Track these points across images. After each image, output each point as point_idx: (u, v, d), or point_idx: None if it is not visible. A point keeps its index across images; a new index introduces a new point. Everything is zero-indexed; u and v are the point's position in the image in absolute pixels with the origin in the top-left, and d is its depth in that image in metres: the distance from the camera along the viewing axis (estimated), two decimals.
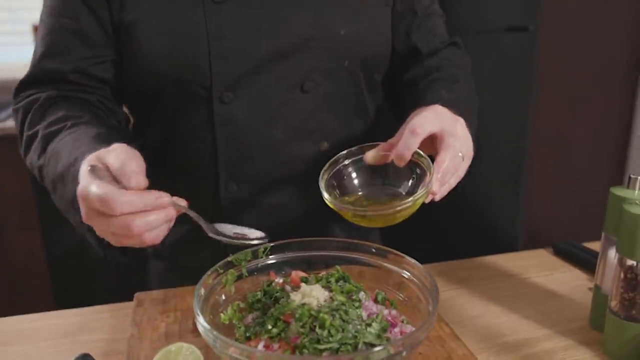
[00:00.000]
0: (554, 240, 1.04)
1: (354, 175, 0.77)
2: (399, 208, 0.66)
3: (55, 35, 0.83)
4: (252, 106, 0.83)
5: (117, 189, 0.60)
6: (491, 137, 2.14)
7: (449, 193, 0.74)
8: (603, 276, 0.76)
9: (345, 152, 0.77)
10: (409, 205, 0.67)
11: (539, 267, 0.97)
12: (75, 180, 0.67)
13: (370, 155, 0.74)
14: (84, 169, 0.65)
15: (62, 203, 0.75)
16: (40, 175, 0.79)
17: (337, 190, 0.76)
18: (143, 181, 0.63)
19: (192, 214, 0.68)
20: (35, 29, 2.28)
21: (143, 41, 0.80)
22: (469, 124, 0.79)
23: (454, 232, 2.11)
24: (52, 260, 2.03)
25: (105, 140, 0.71)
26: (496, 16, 2.06)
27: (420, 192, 0.67)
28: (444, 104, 0.77)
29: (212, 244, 0.78)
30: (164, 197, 0.63)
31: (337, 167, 0.76)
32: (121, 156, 0.64)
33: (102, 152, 0.66)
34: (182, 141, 0.87)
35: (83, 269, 2.03)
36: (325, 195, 0.71)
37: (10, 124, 1.93)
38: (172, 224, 0.66)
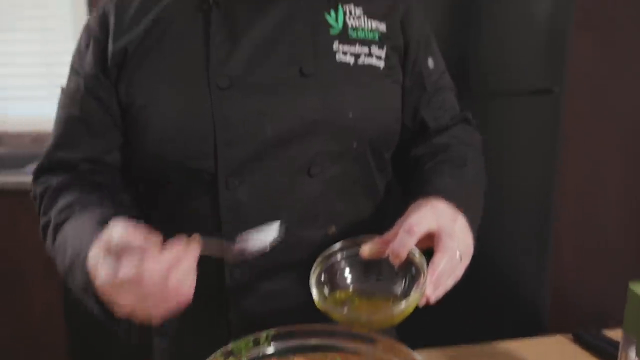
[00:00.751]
0: (581, 316, 0.99)
1: (347, 269, 0.74)
2: (389, 315, 0.65)
3: (64, 127, 0.86)
4: (257, 191, 0.82)
5: (140, 256, 0.62)
6: (515, 202, 2.10)
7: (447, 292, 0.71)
8: None
9: (339, 244, 0.75)
10: (402, 309, 0.65)
11: (558, 355, 0.92)
12: (84, 271, 0.68)
13: (366, 249, 0.72)
14: (92, 263, 0.66)
15: (76, 291, 0.75)
16: (56, 263, 0.81)
17: (328, 285, 0.73)
18: (157, 237, 0.64)
19: (210, 244, 0.68)
20: None
21: (149, 126, 0.81)
22: (472, 215, 0.76)
23: (470, 307, 2.04)
24: (70, 315, 2.03)
25: (109, 221, 0.71)
26: (520, 78, 2.05)
27: (413, 296, 0.65)
28: (446, 196, 0.75)
29: (214, 326, 0.76)
30: (186, 244, 0.65)
31: (330, 262, 0.74)
32: (126, 227, 0.65)
33: (105, 235, 0.66)
34: (186, 224, 0.85)
35: (100, 328, 2.02)
36: (315, 296, 0.69)
37: None
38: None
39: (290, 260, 0.84)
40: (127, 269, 0.61)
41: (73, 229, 0.76)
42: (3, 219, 1.98)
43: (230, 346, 0.70)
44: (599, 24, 2.26)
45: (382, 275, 0.73)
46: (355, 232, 0.85)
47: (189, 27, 0.82)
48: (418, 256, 0.68)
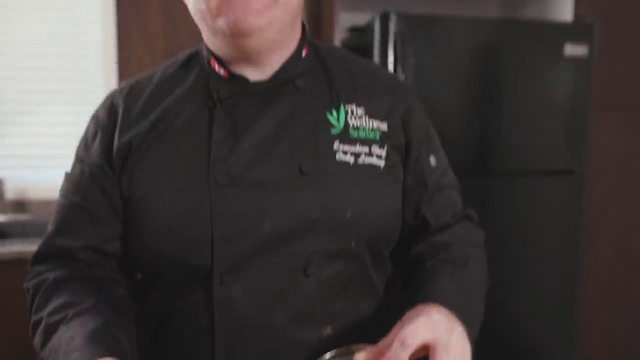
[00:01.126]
0: None
1: None
2: None
3: (66, 214, 0.86)
4: (252, 290, 0.80)
5: None
6: (539, 287, 2.05)
7: None
8: None
9: (331, 353, 0.73)
10: None
11: None
12: None
13: (360, 359, 0.70)
14: None
15: None
16: None
17: None
18: None
19: None
20: None
21: (147, 219, 0.81)
22: (472, 319, 0.75)
23: None
24: None
25: (99, 340, 0.73)
26: (542, 159, 2.06)
27: None
28: (445, 303, 0.73)
29: None
30: None
31: None
32: None
33: None
34: (178, 320, 0.84)
35: None
36: None
37: None
38: None
39: None
40: None
41: (64, 340, 0.75)
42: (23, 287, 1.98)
43: None
44: (620, 104, 2.27)
45: None
46: (354, 331, 0.85)
47: (193, 123, 0.83)
48: None
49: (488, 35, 1.98)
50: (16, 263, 1.94)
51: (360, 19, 2.30)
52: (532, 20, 2.27)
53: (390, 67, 1.92)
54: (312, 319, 0.82)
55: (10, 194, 2.49)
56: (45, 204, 2.50)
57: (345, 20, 2.21)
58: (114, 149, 0.84)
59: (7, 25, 2.45)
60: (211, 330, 0.81)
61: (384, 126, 0.86)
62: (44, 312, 0.80)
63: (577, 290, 2.13)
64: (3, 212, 2.43)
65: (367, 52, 2.00)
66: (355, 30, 2.26)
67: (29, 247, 1.96)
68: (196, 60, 0.89)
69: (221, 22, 0.77)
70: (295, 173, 0.80)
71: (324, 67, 0.88)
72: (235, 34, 0.78)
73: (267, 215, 0.79)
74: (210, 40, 0.84)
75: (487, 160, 2.04)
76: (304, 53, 0.87)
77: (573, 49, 2.01)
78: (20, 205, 2.50)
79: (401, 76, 1.90)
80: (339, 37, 2.09)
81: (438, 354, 0.66)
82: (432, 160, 0.91)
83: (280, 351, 0.82)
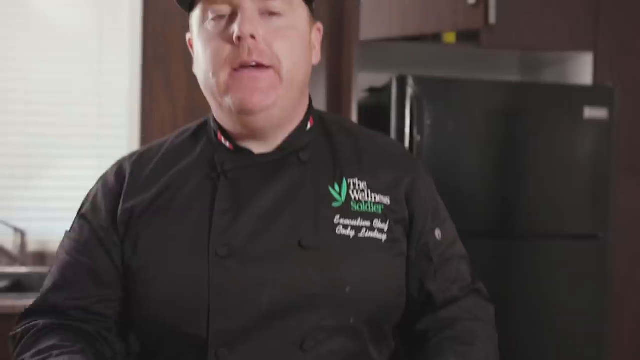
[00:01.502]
0: None
1: None
2: None
3: (67, 271, 0.85)
4: None
5: None
6: (563, 354, 1.98)
7: None
8: None
9: None
10: None
11: None
12: None
13: None
14: None
15: None
16: None
17: None
18: None
19: None
20: None
21: (146, 287, 0.81)
22: None
23: None
24: None
25: None
26: (565, 222, 2.02)
27: None
28: None
29: None
30: None
31: None
32: None
33: None
34: None
35: None
36: None
37: None
38: None
39: None
40: None
41: None
42: None
43: None
44: None
45: None
46: None
47: (197, 194, 0.84)
48: None
49: (506, 99, 1.98)
50: None
51: (378, 79, 2.33)
52: (552, 83, 2.27)
53: (407, 128, 1.93)
54: None
55: (32, 246, 2.52)
56: None
57: (363, 81, 2.24)
58: (118, 213, 0.85)
59: (33, 78, 2.54)
60: None
61: (386, 200, 0.86)
62: (27, 355, 0.79)
63: (602, 358, 2.04)
64: (24, 264, 2.46)
65: (384, 112, 2.02)
66: (373, 91, 2.29)
67: None
68: (204, 131, 0.91)
69: (228, 100, 0.80)
70: (295, 246, 0.80)
71: (330, 140, 0.89)
72: (242, 112, 0.80)
73: (266, 289, 0.78)
74: (218, 114, 0.86)
75: (508, 223, 2.01)
76: (309, 125, 0.88)
77: (593, 112, 2.00)
78: (41, 257, 2.53)
79: (417, 137, 1.91)
80: (357, 97, 2.11)
81: None
82: (437, 233, 0.90)
83: None
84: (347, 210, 0.83)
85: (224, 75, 0.79)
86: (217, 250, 0.79)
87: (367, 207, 0.84)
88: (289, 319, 0.79)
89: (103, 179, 0.92)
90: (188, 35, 0.90)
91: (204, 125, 0.92)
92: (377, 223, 0.84)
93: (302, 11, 0.83)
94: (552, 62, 2.44)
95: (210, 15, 0.80)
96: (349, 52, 2.15)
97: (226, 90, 0.79)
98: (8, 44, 2.51)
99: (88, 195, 0.91)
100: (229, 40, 0.78)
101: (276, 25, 0.79)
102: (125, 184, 0.87)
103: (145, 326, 0.85)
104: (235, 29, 0.77)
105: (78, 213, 0.90)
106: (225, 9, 0.79)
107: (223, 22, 0.79)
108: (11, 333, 0.86)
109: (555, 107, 1.99)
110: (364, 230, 0.83)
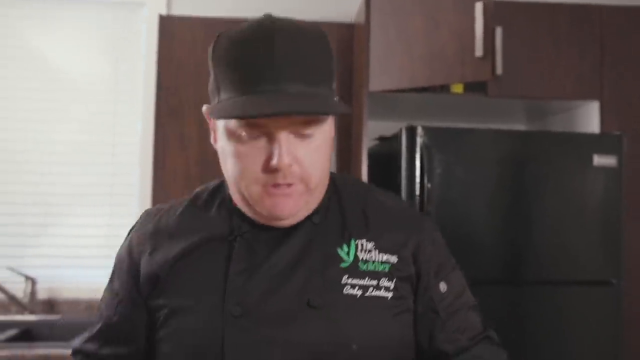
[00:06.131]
0: None
1: None
2: None
3: (100, 323, 0.95)
4: None
5: None
6: None
7: None
8: None
9: None
10: None
11: None
12: None
13: None
14: None
15: None
16: None
17: None
18: None
19: None
20: None
21: (165, 341, 0.87)
22: None
23: None
24: None
25: None
26: (576, 269, 2.01)
27: None
28: None
29: None
30: None
31: None
32: None
33: None
34: None
35: None
36: None
37: None
38: None
39: None
40: None
41: None
42: None
43: None
44: None
45: None
46: None
47: (214, 256, 0.88)
48: None
49: (515, 147, 2.01)
50: None
51: (388, 127, 2.37)
52: (560, 132, 2.30)
53: (417, 176, 1.95)
54: None
55: (42, 294, 2.52)
56: (75, 303, 2.52)
57: (373, 129, 2.28)
58: (141, 278, 0.91)
59: (46, 127, 2.59)
60: None
61: (393, 259, 0.89)
62: None
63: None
64: (34, 312, 2.45)
65: (394, 161, 2.04)
66: (383, 139, 2.32)
67: (55, 350, 1.96)
68: (220, 193, 0.94)
69: (259, 208, 0.84)
70: (304, 306, 0.83)
71: (339, 202, 0.93)
72: (270, 219, 0.85)
73: (277, 347, 0.82)
74: (240, 204, 0.89)
75: (519, 269, 2.00)
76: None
77: (601, 160, 2.01)
78: (50, 305, 2.53)
79: (428, 185, 1.92)
80: (367, 146, 2.14)
81: None
82: (442, 287, 0.93)
83: None
84: (354, 270, 0.86)
85: (256, 189, 0.82)
86: (231, 310, 0.83)
87: (374, 267, 0.88)
88: None
89: (129, 240, 0.96)
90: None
91: (219, 188, 0.96)
92: (384, 281, 0.87)
93: (330, 121, 0.86)
94: (558, 110, 2.47)
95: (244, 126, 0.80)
96: (360, 101, 2.19)
97: (257, 200, 0.83)
98: (26, 95, 2.58)
99: (116, 257, 0.97)
100: (265, 161, 0.79)
101: (309, 147, 0.81)
102: (147, 248, 0.92)
103: None
104: (274, 160, 0.78)
105: (112, 273, 0.97)
106: (260, 133, 0.79)
107: (257, 135, 0.79)
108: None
109: (565, 155, 2.01)
110: (370, 289, 0.86)
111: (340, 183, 0.96)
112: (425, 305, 0.91)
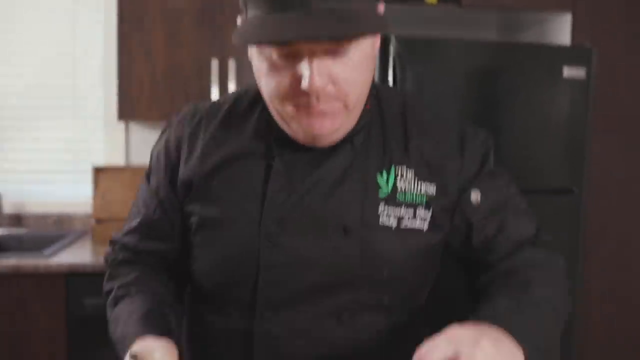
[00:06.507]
0: None
1: None
2: None
3: (139, 219, 0.95)
4: (288, 328, 0.85)
5: None
6: None
7: None
8: None
9: None
10: None
11: None
12: (123, 355, 0.80)
13: None
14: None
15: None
16: (109, 327, 0.90)
17: None
18: None
19: None
20: (95, 171, 2.44)
21: (201, 251, 0.89)
22: (525, 339, 0.71)
23: None
24: None
25: (154, 316, 0.85)
26: (540, 178, 2.06)
27: None
28: (477, 317, 0.73)
29: None
30: None
31: None
32: (164, 353, 0.77)
33: (150, 344, 0.79)
34: (218, 338, 0.90)
35: None
36: None
37: (57, 261, 1.98)
38: None
39: None
40: None
41: (124, 312, 0.87)
42: (18, 300, 1.97)
43: None
44: (618, 125, 2.29)
45: None
46: None
47: (252, 171, 0.87)
48: None
49: (487, 58, 2.00)
50: (12, 276, 1.94)
51: None
52: (531, 43, 2.29)
53: (390, 85, 1.93)
54: None
55: (8, 208, 2.49)
56: (42, 217, 2.50)
57: None
58: (178, 183, 0.90)
59: (8, 40, 2.48)
60: (250, 354, 0.87)
61: (432, 189, 0.86)
62: (115, 284, 0.93)
63: (575, 309, 2.12)
64: (1, 225, 2.43)
65: None
66: None
67: (25, 260, 1.96)
68: (262, 100, 0.86)
69: (295, 126, 0.81)
70: (339, 230, 0.83)
71: (382, 120, 0.89)
72: (308, 139, 0.82)
73: (310, 267, 0.83)
74: (278, 121, 0.84)
75: None
76: (366, 107, 0.87)
77: (571, 72, 2.03)
78: (17, 219, 2.50)
79: None
80: None
81: None
82: (475, 195, 0.88)
83: None
84: (392, 200, 0.85)
85: (290, 109, 0.78)
86: (269, 226, 0.83)
87: (412, 198, 0.86)
88: (329, 294, 0.84)
89: (165, 139, 0.94)
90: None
91: (259, 99, 0.88)
92: (420, 212, 0.86)
93: (371, 35, 0.75)
94: (531, 23, 2.46)
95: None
96: None
97: (292, 118, 0.80)
98: None
99: (151, 154, 0.96)
100: (297, 81, 0.74)
101: (345, 65, 0.75)
102: (184, 154, 0.90)
103: (198, 280, 0.92)
104: (304, 83, 0.72)
105: (149, 169, 0.97)
106: (290, 51, 0.73)
107: (287, 53, 0.74)
108: (105, 252, 1.00)
109: (535, 67, 2.02)
110: (406, 219, 0.85)
111: (383, 95, 0.91)
112: (458, 219, 0.88)
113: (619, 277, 2.37)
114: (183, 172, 0.89)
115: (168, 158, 0.92)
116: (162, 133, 0.96)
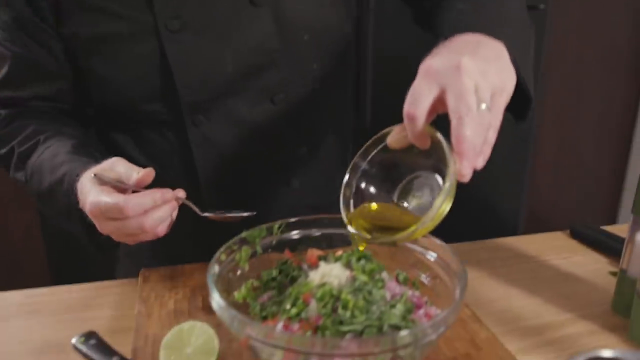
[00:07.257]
0: (554, 226, 1.01)
1: (374, 170, 0.65)
2: (405, 235, 0.58)
3: (9, 64, 0.78)
4: (223, 125, 0.82)
5: (125, 196, 0.65)
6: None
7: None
8: (630, 260, 0.74)
9: (361, 151, 0.65)
10: (425, 225, 0.57)
11: (557, 250, 0.94)
12: (71, 196, 0.70)
13: (393, 139, 0.60)
14: (84, 182, 0.68)
15: (52, 213, 0.78)
16: (25, 186, 0.80)
17: (352, 200, 0.66)
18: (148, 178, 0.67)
19: (189, 203, 0.71)
20: None
21: (100, 71, 0.78)
22: (509, 41, 0.61)
23: (454, 215, 2.08)
24: (49, 239, 2.00)
25: (82, 150, 0.75)
26: None
27: (435, 208, 0.56)
28: (454, 29, 0.62)
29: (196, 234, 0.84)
30: (167, 193, 0.67)
31: (357, 174, 0.66)
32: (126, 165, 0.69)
33: (106, 163, 0.70)
34: (156, 162, 0.83)
35: (79, 249, 1.99)
36: (344, 217, 0.65)
37: None
38: (175, 213, 0.69)
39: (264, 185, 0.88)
40: (109, 205, 0.63)
41: (45, 158, 0.76)
42: None
43: (243, 234, 0.69)
44: None
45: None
46: (325, 152, 0.90)
47: None
48: (439, 139, 0.56)
49: None
50: None
51: None
52: None
53: None
54: (287, 142, 0.87)
55: None
56: None
57: None
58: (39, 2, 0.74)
59: None
60: (192, 169, 0.84)
61: None
62: (14, 143, 0.80)
63: (532, 125, 2.20)
64: None
65: None
66: None
67: None
68: None
69: None
70: (247, 6, 0.77)
71: None
72: None
73: (226, 55, 0.77)
74: None
75: None
76: None
77: None
78: None
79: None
80: None
81: (452, 103, 0.53)
82: None
83: (260, 172, 0.87)
84: None
85: None
86: (167, 24, 0.74)
87: None
88: (255, 79, 0.80)
89: None
90: None
91: None
92: None
93: None
94: None
95: None
96: None
97: None
98: None
99: None
100: None
101: None
102: None
103: (106, 106, 0.83)
104: None
105: None
106: None
107: None
108: None
109: None
110: None
111: None
112: None
113: (571, 99, 2.45)
114: None
115: None
116: None
